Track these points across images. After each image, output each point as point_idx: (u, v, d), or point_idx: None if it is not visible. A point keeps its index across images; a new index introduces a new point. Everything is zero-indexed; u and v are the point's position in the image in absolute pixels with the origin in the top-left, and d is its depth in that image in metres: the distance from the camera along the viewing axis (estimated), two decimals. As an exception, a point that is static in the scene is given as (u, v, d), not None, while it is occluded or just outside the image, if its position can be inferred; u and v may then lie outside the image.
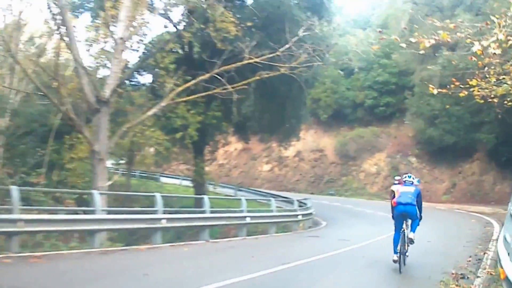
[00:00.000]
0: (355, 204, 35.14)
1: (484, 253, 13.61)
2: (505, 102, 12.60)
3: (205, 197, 18.02)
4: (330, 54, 42.23)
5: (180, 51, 24.50)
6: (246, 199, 20.47)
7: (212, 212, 17.59)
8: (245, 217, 18.76)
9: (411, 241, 11.22)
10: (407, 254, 11.33)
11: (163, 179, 42.19)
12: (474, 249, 14.71)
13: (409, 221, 11.46)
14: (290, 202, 26.71)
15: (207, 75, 20.16)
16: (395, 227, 11.49)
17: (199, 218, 16.88)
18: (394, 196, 11.65)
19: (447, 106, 32.79)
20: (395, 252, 11.09)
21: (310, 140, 49.38)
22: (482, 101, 11.99)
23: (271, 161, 51.29)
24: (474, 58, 11.22)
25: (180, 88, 19.74)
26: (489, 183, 37.46)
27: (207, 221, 16.94)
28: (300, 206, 25.25)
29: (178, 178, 41.75)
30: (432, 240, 16.28)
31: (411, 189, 11.30)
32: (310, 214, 24.84)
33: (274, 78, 21.51)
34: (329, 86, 46.78)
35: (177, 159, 33.47)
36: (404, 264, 11.19)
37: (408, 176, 11.86)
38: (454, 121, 37.43)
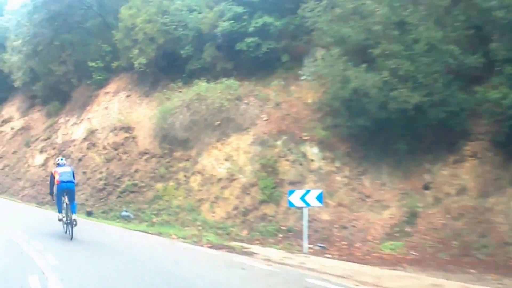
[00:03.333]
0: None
1: None
2: None
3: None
4: None
5: None
6: None
7: None
8: None
9: (75, 222, 14.85)
10: (74, 223, 14.82)
11: None
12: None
13: (67, 196, 15.08)
14: None
15: None
16: (57, 201, 15.44)
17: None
18: (53, 177, 15.25)
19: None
20: (60, 211, 15.38)
21: (116, 111, 28.41)
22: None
23: (47, 148, 31.85)
24: None
25: None
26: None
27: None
28: None
29: None
30: None
31: (68, 169, 15.52)
32: None
33: None
34: (157, 3, 25.92)
35: None
36: (72, 230, 14.90)
37: (61, 159, 16.38)
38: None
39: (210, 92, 22.72)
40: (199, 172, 22.17)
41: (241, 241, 18.17)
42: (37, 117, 36.45)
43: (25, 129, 36.49)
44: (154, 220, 21.32)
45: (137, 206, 22.86)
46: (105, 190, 25.00)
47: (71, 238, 14.64)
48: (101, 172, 25.93)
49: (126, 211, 22.68)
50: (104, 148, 26.94)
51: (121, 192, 24.23)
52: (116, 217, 22.76)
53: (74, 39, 31.34)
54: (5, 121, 39.59)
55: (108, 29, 29.85)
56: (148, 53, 25.50)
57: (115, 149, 26.39)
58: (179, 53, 25.37)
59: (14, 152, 35.16)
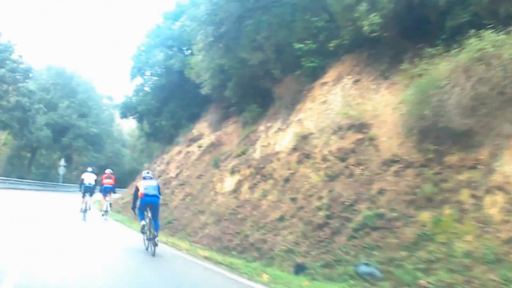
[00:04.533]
0: None
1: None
2: None
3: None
4: None
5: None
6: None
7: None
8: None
9: (157, 240, 14.57)
10: (157, 240, 14.52)
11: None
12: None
13: (151, 212, 14.96)
14: None
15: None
16: (139, 213, 15.21)
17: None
18: (138, 190, 15.24)
19: None
20: (142, 219, 15.16)
21: (339, 104, 19.90)
22: None
23: (240, 167, 24.03)
24: None
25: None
26: None
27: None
28: None
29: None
30: None
31: (154, 182, 15.46)
32: None
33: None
34: None
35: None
36: (155, 248, 14.47)
37: (147, 172, 16.45)
38: None
39: (505, 46, 12.94)
40: (499, 188, 12.12)
41: None
42: (231, 129, 30.34)
43: (214, 145, 30.49)
44: (422, 282, 11.62)
45: (386, 255, 13.11)
46: (328, 226, 15.75)
47: (153, 255, 14.31)
48: (320, 198, 17.01)
49: (366, 263, 12.99)
50: (324, 159, 18.28)
51: (356, 230, 14.70)
52: (348, 275, 13.16)
53: (271, 18, 23.78)
54: (193, 140, 34.32)
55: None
56: (384, 5, 16.62)
57: (342, 160, 17.53)
58: (432, 1, 16.08)
59: (198, 177, 28.67)
